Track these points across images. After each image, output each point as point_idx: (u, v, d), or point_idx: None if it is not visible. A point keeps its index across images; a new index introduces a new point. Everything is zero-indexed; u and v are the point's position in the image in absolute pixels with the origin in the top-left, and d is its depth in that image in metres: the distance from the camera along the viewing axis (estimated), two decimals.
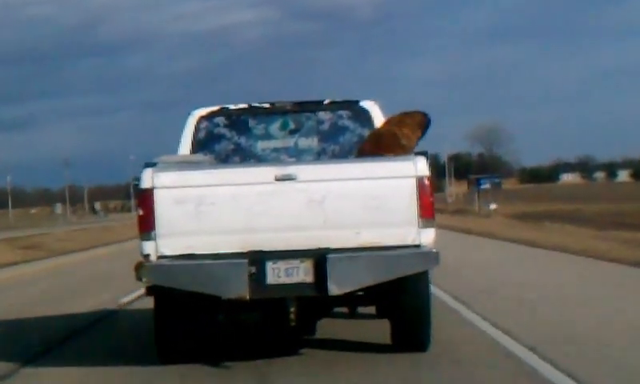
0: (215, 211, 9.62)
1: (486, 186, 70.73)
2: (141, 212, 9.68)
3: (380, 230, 9.57)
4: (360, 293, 9.99)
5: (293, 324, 9.78)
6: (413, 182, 9.59)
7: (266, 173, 9.77)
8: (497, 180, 58.07)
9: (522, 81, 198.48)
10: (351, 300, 10.27)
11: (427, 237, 9.60)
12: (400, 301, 10.17)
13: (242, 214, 9.63)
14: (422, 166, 9.64)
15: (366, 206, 9.59)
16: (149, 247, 9.63)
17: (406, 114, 10.65)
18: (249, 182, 9.73)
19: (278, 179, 9.66)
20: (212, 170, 10.10)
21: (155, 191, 9.64)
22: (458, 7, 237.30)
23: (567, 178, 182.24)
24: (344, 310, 11.54)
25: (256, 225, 9.62)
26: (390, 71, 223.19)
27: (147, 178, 9.67)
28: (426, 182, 9.60)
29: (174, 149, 11.58)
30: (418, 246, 9.59)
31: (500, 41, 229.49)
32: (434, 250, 9.59)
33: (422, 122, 10.56)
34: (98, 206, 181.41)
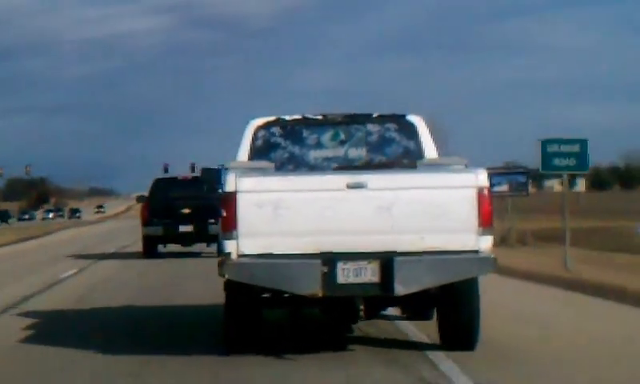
0: (291, 214, 10.49)
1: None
2: (224, 213, 10.51)
3: (442, 236, 10.48)
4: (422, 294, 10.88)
5: (362, 320, 10.66)
6: (474, 192, 10.51)
7: (338, 180, 10.65)
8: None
9: (414, 91, 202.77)
10: (413, 300, 11.16)
11: (486, 243, 10.53)
12: (455, 303, 11.06)
13: (316, 218, 10.50)
14: (482, 178, 10.58)
15: (430, 213, 10.50)
16: (230, 246, 10.47)
17: None
18: (322, 188, 10.62)
19: (349, 187, 10.56)
20: (289, 177, 10.98)
21: (238, 194, 10.48)
22: (353, 19, 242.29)
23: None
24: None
25: (328, 228, 10.49)
26: (284, 79, 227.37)
27: (231, 183, 10.51)
28: (486, 192, 10.53)
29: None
30: (476, 252, 10.51)
31: (395, 52, 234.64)
32: (492, 256, 10.52)
33: None
34: None
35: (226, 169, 11.76)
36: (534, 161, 26.52)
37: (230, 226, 10.49)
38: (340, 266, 10.44)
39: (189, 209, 30.91)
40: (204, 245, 31.60)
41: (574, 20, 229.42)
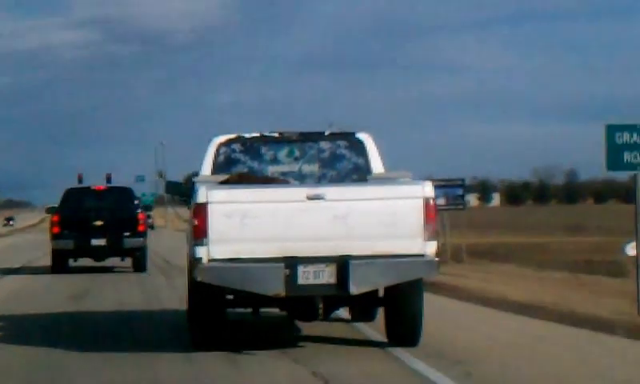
0: (257, 223, 11.66)
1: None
2: (196, 222, 11.64)
3: (392, 242, 11.73)
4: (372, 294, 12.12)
5: (320, 318, 11.87)
6: (421, 203, 11.77)
7: (299, 193, 11.86)
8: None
9: (335, 107, 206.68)
10: (365, 299, 12.38)
11: (431, 248, 11.79)
12: (401, 302, 12.31)
13: (279, 226, 11.69)
14: (428, 189, 11.85)
15: (381, 221, 11.74)
16: (201, 251, 11.60)
17: None
18: (285, 199, 11.82)
19: (309, 198, 11.76)
20: (255, 189, 12.15)
21: (209, 205, 11.62)
22: (270, 37, 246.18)
23: None
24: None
25: (290, 235, 11.68)
26: (203, 93, 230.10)
27: (203, 195, 11.65)
28: (432, 202, 11.79)
29: None
30: (422, 256, 11.77)
31: (315, 69, 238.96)
32: (436, 259, 11.79)
33: None
34: None
35: (195, 182, 12.94)
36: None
37: (201, 234, 11.62)
38: (301, 268, 11.62)
39: (102, 221, 28.96)
40: (118, 259, 29.78)
41: (493, 39, 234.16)
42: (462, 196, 32.51)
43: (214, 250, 11.61)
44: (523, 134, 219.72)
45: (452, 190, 31.68)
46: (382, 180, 12.67)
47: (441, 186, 30.52)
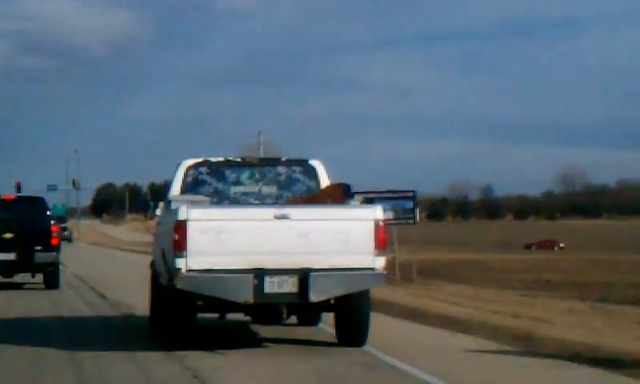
0: (229, 238, 13.36)
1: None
2: (176, 237, 13.30)
3: (347, 257, 13.54)
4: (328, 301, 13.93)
5: (284, 321, 13.63)
6: (372, 224, 13.61)
7: (267, 212, 13.61)
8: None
9: (248, 123, 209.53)
10: (322, 306, 14.17)
11: (380, 263, 13.63)
12: (350, 306, 14.14)
13: (249, 242, 13.41)
14: (378, 212, 13.69)
15: (337, 239, 13.55)
16: (181, 263, 13.26)
17: (337, 185, 14.83)
18: (255, 218, 13.55)
19: (276, 217, 13.51)
20: (228, 209, 13.87)
21: (188, 222, 13.29)
22: (184, 51, 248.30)
23: None
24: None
25: (259, 249, 13.41)
26: (116, 106, 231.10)
27: (183, 212, 13.32)
28: (381, 223, 13.64)
29: None
30: (372, 269, 13.61)
31: (222, 85, 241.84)
32: (384, 272, 13.65)
33: (345, 190, 14.72)
34: None
35: (171, 200, 14.64)
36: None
37: (180, 247, 13.28)
38: (267, 279, 13.36)
39: (11, 233, 26.37)
40: (28, 275, 27.42)
41: (409, 59, 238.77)
42: (413, 209, 30.11)
43: (192, 261, 13.29)
44: (432, 150, 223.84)
45: (401, 203, 29.42)
46: (338, 203, 14.45)
47: (389, 197, 28.62)
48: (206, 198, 14.81)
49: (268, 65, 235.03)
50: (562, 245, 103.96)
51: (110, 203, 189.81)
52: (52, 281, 26.87)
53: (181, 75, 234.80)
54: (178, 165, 15.74)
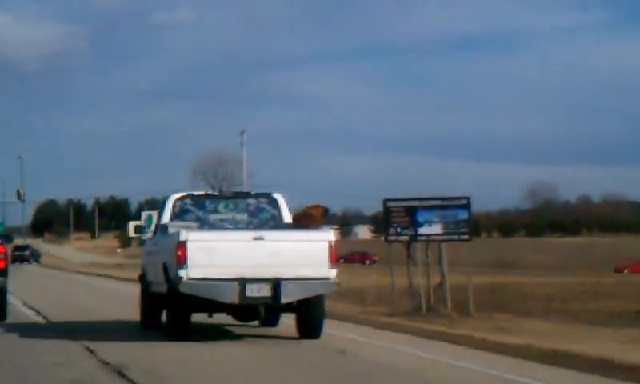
0: (219, 255, 17.47)
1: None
2: (179, 253, 17.35)
3: (308, 269, 17.73)
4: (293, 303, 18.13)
5: (262, 318, 17.82)
6: (327, 244, 17.86)
7: (247, 235, 17.78)
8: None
9: (176, 140, 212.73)
10: (288, 307, 18.33)
11: (332, 274, 17.86)
12: (309, 307, 18.33)
13: (234, 257, 17.53)
14: (332, 235, 17.95)
15: (301, 255, 17.75)
16: (183, 273, 17.32)
17: (317, 207, 19.03)
18: (237, 239, 17.71)
19: (254, 239, 17.67)
20: (217, 232, 18.01)
21: (187, 242, 17.37)
22: (119, 67, 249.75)
23: None
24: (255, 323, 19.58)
25: (241, 263, 17.53)
26: (50, 122, 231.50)
27: (183, 235, 17.40)
28: (333, 244, 17.88)
29: None
30: (328, 279, 17.84)
31: (155, 102, 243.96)
32: (337, 281, 17.91)
33: (324, 212, 18.96)
34: None
35: (167, 226, 18.72)
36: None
37: (182, 261, 17.34)
38: (248, 286, 17.48)
39: None
40: None
41: (349, 73, 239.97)
42: (467, 221, 24.17)
43: (191, 271, 17.37)
44: (374, 165, 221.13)
45: (452, 213, 23.86)
46: (302, 228, 18.64)
47: (437, 206, 23.83)
48: (195, 224, 18.92)
49: (206, 79, 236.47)
50: None
51: (51, 222, 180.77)
52: None
53: (117, 90, 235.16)
54: (167, 198, 19.91)
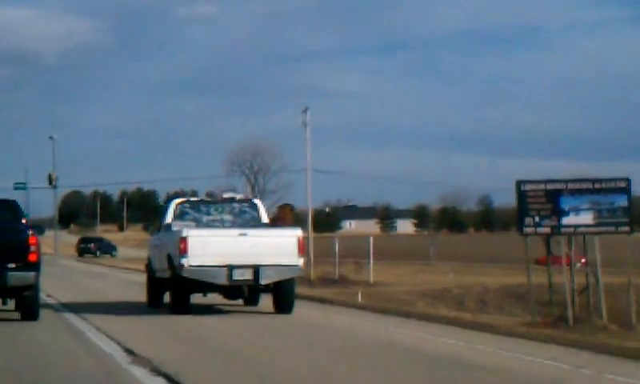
0: (213, 247, 22.63)
1: None
2: (182, 246, 22.50)
3: (282, 258, 22.89)
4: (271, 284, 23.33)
5: (245, 296, 23.06)
6: (295, 239, 23.05)
7: (234, 232, 22.98)
8: None
9: (200, 133, 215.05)
10: (267, 288, 23.50)
11: (301, 261, 23.06)
12: (282, 288, 23.50)
13: (224, 249, 22.68)
14: (299, 232, 23.17)
15: (276, 247, 22.92)
16: (185, 261, 22.46)
17: (285, 205, 24.35)
18: (227, 235, 22.91)
19: (240, 235, 22.86)
20: (211, 229, 23.21)
21: (188, 237, 22.53)
22: (142, 61, 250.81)
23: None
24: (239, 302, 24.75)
25: (230, 253, 22.69)
26: (76, 114, 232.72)
27: (185, 232, 22.56)
28: (301, 239, 23.09)
29: None
30: (297, 265, 23.03)
31: (178, 95, 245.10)
32: (303, 267, 23.12)
33: (291, 209, 24.29)
34: None
35: (169, 225, 23.91)
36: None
37: (184, 252, 22.46)
38: (235, 271, 22.62)
39: None
40: None
41: (354, 68, 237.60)
42: (629, 209, 20.12)
43: (191, 260, 22.50)
44: (408, 161, 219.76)
45: (608, 199, 19.97)
46: (277, 226, 23.85)
47: (587, 190, 19.95)
48: (193, 223, 24.10)
49: (229, 73, 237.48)
50: None
51: (77, 213, 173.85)
52: (29, 309, 21.41)
53: (139, 84, 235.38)
54: (169, 202, 25.18)
